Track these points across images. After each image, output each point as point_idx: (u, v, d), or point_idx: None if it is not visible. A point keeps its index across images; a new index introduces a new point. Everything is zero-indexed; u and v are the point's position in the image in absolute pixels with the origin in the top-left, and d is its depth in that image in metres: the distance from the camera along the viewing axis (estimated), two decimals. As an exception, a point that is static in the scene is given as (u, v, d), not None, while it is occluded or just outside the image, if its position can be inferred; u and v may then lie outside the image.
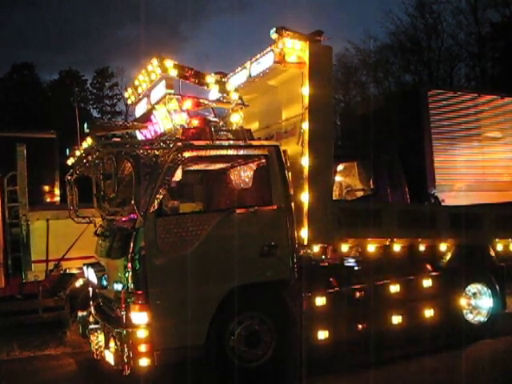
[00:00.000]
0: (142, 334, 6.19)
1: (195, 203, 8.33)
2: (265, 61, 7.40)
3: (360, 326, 7.54)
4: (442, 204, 11.35)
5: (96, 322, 7.36)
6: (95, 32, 70.13)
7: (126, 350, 6.20)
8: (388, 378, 7.08)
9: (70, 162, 7.84)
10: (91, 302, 7.97)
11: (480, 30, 32.21)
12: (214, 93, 7.35)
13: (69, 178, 7.88)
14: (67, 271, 10.06)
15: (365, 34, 40.20)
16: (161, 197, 6.39)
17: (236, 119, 7.15)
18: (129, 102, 8.42)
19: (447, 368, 7.33)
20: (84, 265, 7.88)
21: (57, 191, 13.29)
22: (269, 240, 6.86)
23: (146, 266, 6.28)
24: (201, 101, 7.22)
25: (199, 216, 6.87)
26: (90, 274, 7.43)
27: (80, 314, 8.05)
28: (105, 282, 7.06)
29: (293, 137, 7.61)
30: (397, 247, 8.01)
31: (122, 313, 6.30)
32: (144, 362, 6.21)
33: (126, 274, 6.30)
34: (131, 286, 6.27)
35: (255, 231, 6.88)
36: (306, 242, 7.12)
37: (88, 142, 6.68)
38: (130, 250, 6.27)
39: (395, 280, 7.86)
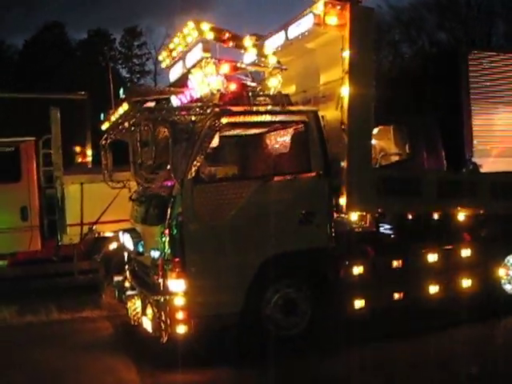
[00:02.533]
0: (179, 301, 6.19)
1: (231, 169, 8.22)
2: (304, 23, 7.13)
3: (396, 296, 7.45)
4: (480, 170, 11.05)
5: (132, 288, 7.39)
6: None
7: (163, 317, 6.22)
8: (424, 347, 6.99)
9: (105, 126, 7.77)
10: (126, 267, 8.03)
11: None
12: (250, 56, 7.14)
13: (103, 142, 7.81)
14: (101, 235, 10.14)
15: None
16: (198, 164, 6.30)
17: (274, 83, 6.95)
18: (163, 65, 8.22)
19: (483, 339, 7.23)
20: (120, 230, 7.89)
21: (89, 152, 13.36)
22: (307, 207, 6.76)
23: (184, 234, 6.24)
24: (238, 65, 7.04)
25: (237, 183, 6.75)
26: (126, 240, 7.42)
27: (116, 278, 8.09)
28: (141, 249, 7.04)
29: (331, 102, 7.41)
30: (435, 216, 7.84)
31: (159, 280, 6.32)
32: (181, 329, 6.22)
33: (164, 241, 6.27)
34: (168, 253, 6.26)
35: (293, 198, 6.77)
36: (344, 210, 7.01)
37: (124, 108, 6.58)
38: (168, 217, 6.23)
39: (433, 249, 7.70)
